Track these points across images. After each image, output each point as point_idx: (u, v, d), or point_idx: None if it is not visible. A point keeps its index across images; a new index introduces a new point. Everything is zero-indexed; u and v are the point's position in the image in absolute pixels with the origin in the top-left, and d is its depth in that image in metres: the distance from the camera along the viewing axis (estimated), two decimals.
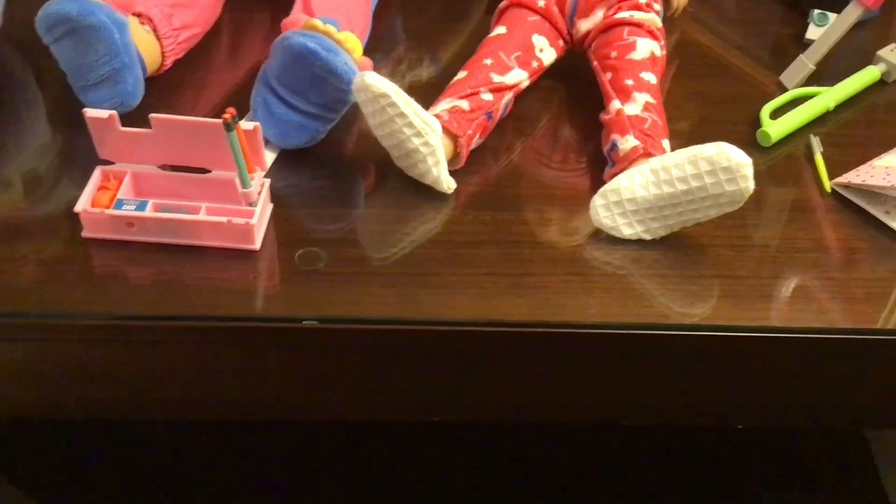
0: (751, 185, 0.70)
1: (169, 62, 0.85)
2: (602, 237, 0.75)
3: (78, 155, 0.79)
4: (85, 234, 0.72)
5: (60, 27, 0.76)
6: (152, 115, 0.69)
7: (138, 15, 0.82)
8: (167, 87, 0.85)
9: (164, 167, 0.74)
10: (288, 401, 0.75)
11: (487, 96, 0.80)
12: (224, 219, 0.70)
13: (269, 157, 0.79)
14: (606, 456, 1.25)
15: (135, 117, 0.73)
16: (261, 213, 0.72)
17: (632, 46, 0.83)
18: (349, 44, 0.77)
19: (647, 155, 0.75)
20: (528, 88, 0.86)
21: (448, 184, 0.77)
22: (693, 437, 1.24)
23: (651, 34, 0.85)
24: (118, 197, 0.72)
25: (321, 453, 1.26)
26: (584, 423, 0.78)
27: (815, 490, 1.24)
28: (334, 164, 0.81)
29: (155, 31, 0.83)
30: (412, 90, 0.75)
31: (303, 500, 1.22)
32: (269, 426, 1.23)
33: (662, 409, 0.76)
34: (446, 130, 0.77)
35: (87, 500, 1.21)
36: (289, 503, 1.21)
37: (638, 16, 0.85)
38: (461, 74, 0.82)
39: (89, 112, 0.70)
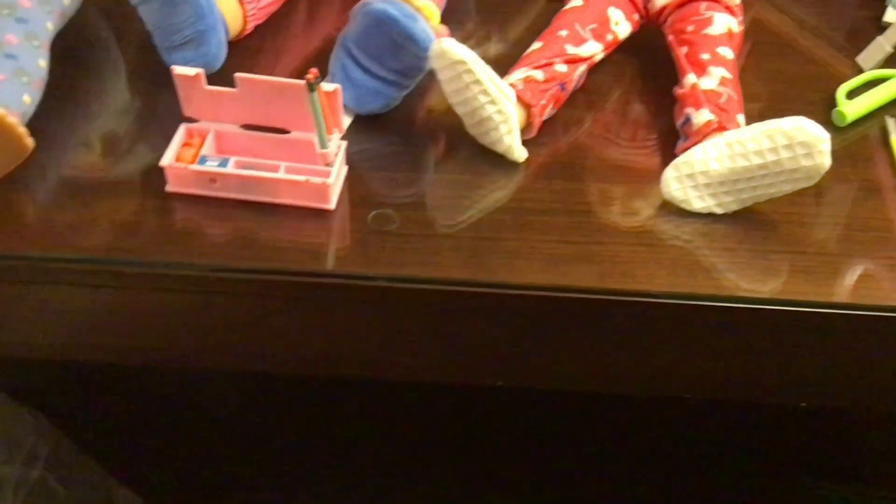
0: (827, 160, 0.70)
1: (250, 27, 0.88)
2: (672, 210, 0.75)
3: (161, 114, 0.81)
4: (169, 188, 0.74)
5: None
6: (237, 75, 0.72)
7: None
8: (247, 52, 0.87)
9: (245, 126, 0.76)
10: (355, 359, 0.77)
11: (561, 67, 0.81)
12: (302, 177, 0.72)
13: (346, 121, 0.80)
14: (658, 430, 1.26)
15: (216, 80, 0.75)
16: (337, 174, 0.74)
17: (709, 21, 0.83)
18: (427, 11, 0.78)
19: (722, 129, 0.75)
20: (602, 62, 0.86)
21: (520, 152, 0.78)
22: (746, 417, 1.25)
23: (729, 10, 0.84)
24: (201, 154, 0.74)
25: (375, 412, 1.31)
26: (645, 395, 0.78)
27: (869, 483, 1.22)
28: (408, 130, 0.82)
29: (240, 2, 0.85)
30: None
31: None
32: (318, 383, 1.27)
33: (725, 384, 0.76)
34: (520, 99, 0.77)
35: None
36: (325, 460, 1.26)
37: None
38: (536, 45, 0.83)
39: (177, 69, 0.72)
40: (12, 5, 0.78)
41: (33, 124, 0.73)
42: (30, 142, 0.70)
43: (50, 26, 0.80)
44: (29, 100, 0.75)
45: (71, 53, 0.84)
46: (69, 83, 0.83)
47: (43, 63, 0.78)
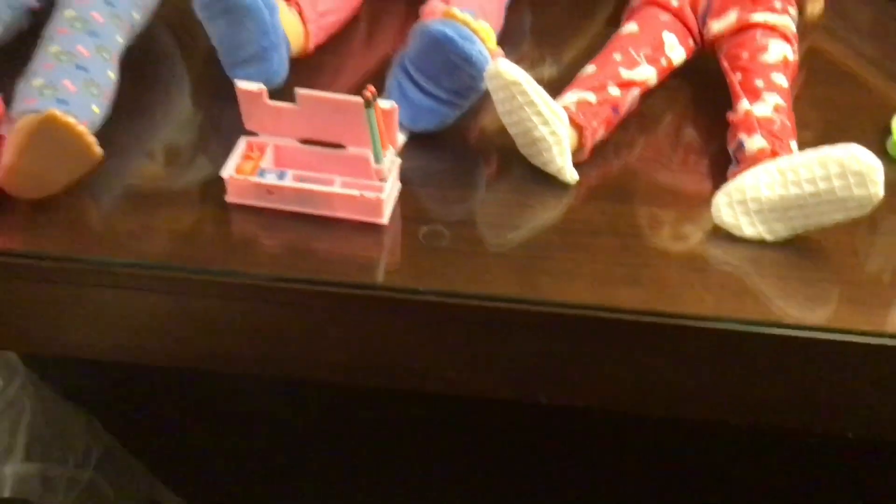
0: (880, 190, 0.69)
1: (312, 46, 0.90)
2: (722, 235, 0.75)
3: (222, 127, 0.84)
4: (228, 198, 0.77)
5: (216, 5, 0.82)
6: (298, 91, 0.74)
7: None
8: (307, 69, 0.90)
9: (303, 141, 0.78)
10: (403, 371, 0.78)
11: (615, 91, 0.81)
12: (357, 192, 0.74)
13: (400, 139, 0.82)
14: (707, 455, 1.25)
15: (277, 96, 0.77)
16: (390, 190, 0.76)
17: (764, 48, 0.83)
18: (484, 33, 0.80)
19: (774, 156, 0.75)
20: (655, 87, 0.87)
21: (571, 174, 0.79)
22: (793, 443, 1.23)
23: (785, 38, 0.84)
24: (260, 166, 0.77)
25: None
26: (690, 419, 0.78)
27: None
28: (461, 149, 0.84)
29: (301, 14, 0.88)
30: None
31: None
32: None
33: (771, 411, 0.75)
34: (573, 121, 0.78)
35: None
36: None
37: (773, 19, 0.85)
38: (590, 68, 0.84)
39: (241, 84, 0.75)
40: (85, 19, 0.81)
41: (101, 134, 0.75)
42: (98, 150, 0.73)
43: (120, 40, 0.83)
44: (98, 110, 0.78)
45: (139, 67, 0.87)
46: (136, 95, 0.86)
47: (112, 75, 0.81)
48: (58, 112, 0.70)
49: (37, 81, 0.76)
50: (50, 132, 0.71)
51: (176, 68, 0.95)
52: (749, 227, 0.74)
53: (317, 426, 1.37)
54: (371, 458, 1.35)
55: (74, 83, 0.76)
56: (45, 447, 1.19)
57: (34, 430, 1.19)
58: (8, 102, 0.77)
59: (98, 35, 0.81)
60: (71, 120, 0.70)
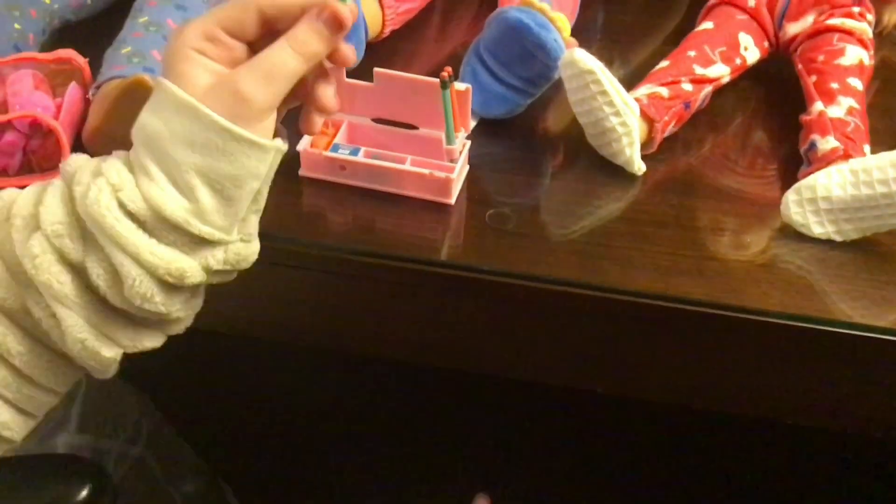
0: None
1: (388, 31, 0.92)
2: (790, 233, 0.75)
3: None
4: (302, 172, 0.78)
5: None
6: (376, 70, 0.76)
7: None
8: (383, 54, 0.92)
9: (377, 120, 0.80)
10: (463, 350, 0.79)
11: (687, 86, 0.82)
12: (426, 171, 0.75)
13: (471, 123, 0.83)
14: (764, 454, 1.24)
15: (352, 76, 0.78)
16: (459, 171, 0.77)
17: (841, 52, 0.83)
18: (560, 23, 0.81)
19: (847, 157, 0.75)
20: (727, 86, 0.87)
21: (639, 165, 0.79)
22: (850, 445, 1.21)
23: (861, 43, 0.84)
24: (334, 142, 0.78)
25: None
26: (749, 416, 0.78)
27: None
28: (530, 136, 0.85)
29: (380, 0, 0.90)
30: None
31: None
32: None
33: (834, 413, 0.75)
34: (644, 114, 0.79)
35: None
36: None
37: (850, 23, 0.84)
38: (664, 63, 0.84)
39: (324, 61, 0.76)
40: None
41: None
42: None
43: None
44: None
45: None
46: None
47: None
48: (146, 76, 0.73)
49: (125, 49, 0.79)
50: (137, 96, 0.73)
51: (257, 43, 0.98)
52: (818, 227, 0.74)
53: (375, 416, 1.39)
54: (432, 449, 1.36)
55: (161, 53, 0.79)
56: (97, 421, 1.22)
57: (88, 403, 1.22)
58: (96, 69, 0.80)
59: (186, 9, 0.84)
60: (146, 77, 0.73)
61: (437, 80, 0.72)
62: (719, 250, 0.74)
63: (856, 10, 0.86)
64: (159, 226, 0.48)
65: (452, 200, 0.77)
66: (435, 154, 0.77)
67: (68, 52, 0.80)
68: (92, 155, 0.76)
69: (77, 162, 0.50)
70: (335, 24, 0.49)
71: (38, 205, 0.49)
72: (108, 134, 0.75)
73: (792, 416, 0.76)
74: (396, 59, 0.92)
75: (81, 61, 0.80)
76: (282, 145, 0.51)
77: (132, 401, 1.26)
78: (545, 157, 0.83)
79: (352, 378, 1.40)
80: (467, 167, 0.80)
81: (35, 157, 0.77)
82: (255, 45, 0.50)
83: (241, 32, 0.49)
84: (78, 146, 0.77)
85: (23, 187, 0.74)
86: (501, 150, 0.83)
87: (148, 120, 0.48)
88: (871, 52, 0.85)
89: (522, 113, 0.85)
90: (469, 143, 0.79)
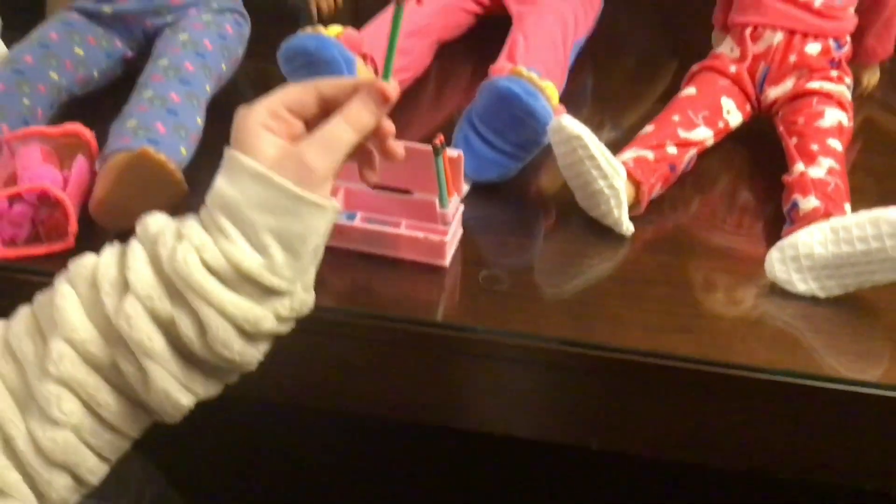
0: None
1: None
2: (774, 290, 0.77)
3: None
4: None
5: (299, 59, 0.88)
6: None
7: (364, 56, 0.93)
8: None
9: (372, 186, 0.82)
10: (459, 409, 0.81)
11: (672, 150, 0.85)
12: (421, 234, 0.78)
13: (464, 188, 0.86)
14: None
15: None
16: (453, 234, 0.79)
17: (820, 114, 0.86)
18: (548, 91, 0.84)
19: (828, 216, 0.77)
20: (712, 148, 0.90)
21: (627, 226, 0.82)
22: (841, 498, 1.21)
23: (840, 105, 0.87)
24: None
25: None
26: (738, 471, 0.79)
27: None
28: (522, 199, 0.88)
29: (375, 70, 0.93)
30: None
31: None
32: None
33: (820, 465, 0.76)
34: (630, 177, 0.82)
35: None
36: None
37: (828, 87, 0.88)
38: (649, 128, 0.87)
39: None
40: (178, 68, 0.88)
41: (185, 172, 0.81)
42: (185, 187, 0.78)
43: (208, 88, 0.90)
44: (185, 152, 0.84)
45: (221, 112, 0.93)
46: (218, 138, 0.92)
47: (199, 120, 0.87)
48: (150, 149, 0.76)
49: (131, 122, 0.82)
50: (141, 168, 0.76)
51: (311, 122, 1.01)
52: (801, 284, 0.76)
53: (377, 470, 1.39)
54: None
55: (165, 125, 0.82)
56: (101, 484, 1.23)
57: None
58: (102, 142, 0.83)
59: (189, 83, 0.87)
60: (163, 157, 0.76)
61: (430, 147, 0.75)
62: (707, 307, 0.76)
63: (834, 73, 0.90)
64: (238, 279, 0.54)
65: (447, 262, 0.79)
66: (429, 218, 0.80)
67: (75, 126, 0.84)
68: (99, 225, 0.79)
69: (157, 224, 0.56)
70: (382, 99, 0.56)
71: (122, 269, 0.55)
72: (114, 204, 0.78)
73: (782, 470, 0.77)
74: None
75: (88, 135, 0.83)
76: (338, 206, 0.57)
77: (135, 465, 1.27)
78: (537, 219, 0.86)
79: (350, 437, 1.40)
80: (461, 230, 0.82)
81: (43, 227, 0.79)
82: (309, 123, 0.57)
83: (301, 111, 0.56)
84: (84, 216, 0.79)
85: (30, 257, 0.77)
86: (494, 212, 0.86)
87: (224, 187, 0.54)
88: (850, 114, 0.88)
89: (514, 176, 0.88)
90: (462, 206, 0.82)
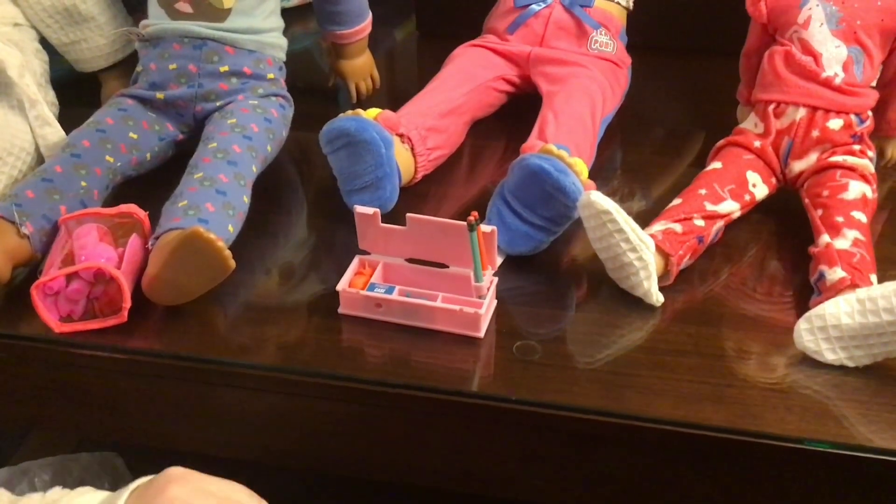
0: None
1: (420, 176, 1.00)
2: (804, 360, 0.78)
3: (336, 246, 0.94)
4: (341, 310, 0.84)
5: (340, 140, 0.92)
6: (409, 215, 0.82)
7: (400, 135, 0.97)
8: (415, 197, 0.99)
9: (410, 260, 0.86)
10: (493, 478, 0.83)
11: (700, 222, 0.87)
12: (457, 307, 0.81)
13: (498, 260, 0.89)
14: None
15: (388, 219, 0.85)
16: (487, 306, 0.82)
17: (844, 187, 0.88)
18: (578, 167, 0.88)
19: (854, 286, 0.79)
20: (739, 219, 0.92)
21: (657, 297, 0.84)
22: None
23: (864, 178, 0.89)
24: (371, 281, 0.85)
25: None
26: None
27: None
28: (554, 271, 0.91)
29: (412, 149, 0.98)
30: None
31: None
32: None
33: None
34: (659, 249, 0.84)
35: None
36: None
37: (851, 160, 0.90)
38: (676, 201, 0.90)
39: (359, 209, 0.84)
40: (226, 150, 0.93)
41: (232, 250, 0.84)
42: (233, 263, 0.82)
43: (254, 169, 0.95)
44: (232, 229, 0.88)
45: (266, 192, 0.98)
46: (263, 217, 0.97)
47: (246, 199, 0.91)
48: (201, 228, 0.80)
49: (182, 203, 0.87)
50: (192, 246, 0.80)
51: (298, 194, 1.06)
52: (830, 353, 0.77)
53: None
54: None
55: (214, 205, 0.87)
56: None
57: None
58: (154, 221, 0.88)
59: (236, 164, 0.92)
60: (212, 236, 0.80)
61: (465, 223, 0.79)
62: (737, 377, 0.77)
63: (857, 147, 0.92)
64: None
65: (482, 334, 0.82)
66: (464, 291, 0.83)
67: (130, 207, 0.89)
68: (152, 301, 0.83)
69: None
70: None
71: None
72: (166, 281, 0.82)
73: None
74: (428, 201, 1.00)
75: (142, 214, 0.88)
76: None
77: None
78: (569, 291, 0.89)
79: None
80: (495, 302, 0.85)
81: (98, 303, 0.84)
82: None
83: None
84: (138, 293, 0.83)
85: (85, 331, 0.81)
86: (527, 284, 0.89)
87: None
88: (874, 186, 0.91)
89: (546, 249, 0.91)
90: (496, 279, 0.85)
